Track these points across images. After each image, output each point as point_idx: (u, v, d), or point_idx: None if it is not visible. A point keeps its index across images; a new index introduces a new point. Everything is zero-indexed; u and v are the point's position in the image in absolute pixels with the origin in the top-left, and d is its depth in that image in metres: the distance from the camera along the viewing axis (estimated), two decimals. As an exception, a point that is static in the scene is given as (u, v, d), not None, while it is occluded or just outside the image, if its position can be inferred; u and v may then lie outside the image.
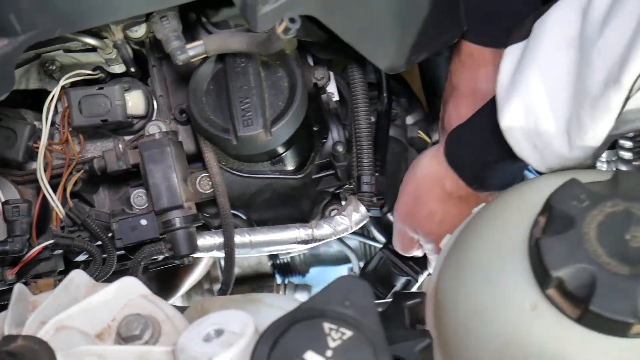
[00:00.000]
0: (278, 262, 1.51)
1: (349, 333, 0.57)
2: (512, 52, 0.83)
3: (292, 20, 0.73)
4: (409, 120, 1.52)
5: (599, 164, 1.14)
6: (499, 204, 0.81)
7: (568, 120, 0.78)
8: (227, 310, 0.63)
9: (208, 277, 1.41)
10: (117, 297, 0.67)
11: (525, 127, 0.81)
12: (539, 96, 0.79)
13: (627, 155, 1.06)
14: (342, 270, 1.54)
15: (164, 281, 1.26)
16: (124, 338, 0.63)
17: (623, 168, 1.09)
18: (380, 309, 0.81)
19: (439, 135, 1.12)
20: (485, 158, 0.92)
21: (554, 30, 0.79)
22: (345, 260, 1.53)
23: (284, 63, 0.89)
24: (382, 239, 1.29)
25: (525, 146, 0.83)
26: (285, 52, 0.90)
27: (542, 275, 0.67)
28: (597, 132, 0.76)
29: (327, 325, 0.58)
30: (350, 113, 1.04)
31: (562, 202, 0.68)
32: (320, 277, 1.58)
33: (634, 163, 1.07)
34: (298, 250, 1.37)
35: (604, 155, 1.12)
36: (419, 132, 1.46)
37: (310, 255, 1.52)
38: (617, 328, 0.64)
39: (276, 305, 0.72)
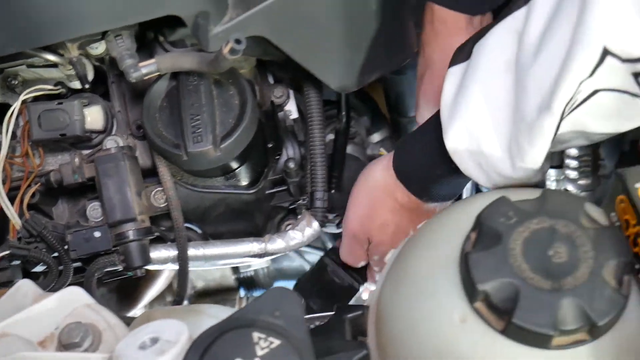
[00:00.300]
0: (242, 276, 1.54)
1: (276, 342, 0.60)
2: (454, 73, 0.85)
3: (237, 41, 0.76)
4: (375, 138, 1.55)
5: (548, 183, 1.17)
6: (437, 221, 0.84)
7: (509, 142, 0.81)
8: (164, 320, 0.66)
9: (170, 289, 1.43)
10: (61, 305, 0.70)
11: (469, 148, 0.83)
12: (481, 118, 0.82)
13: (573, 174, 1.09)
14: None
15: (125, 293, 1.28)
16: (64, 345, 0.65)
17: (570, 187, 1.12)
18: (319, 322, 0.84)
19: (416, 115, 1.10)
20: (433, 172, 0.94)
21: (492, 54, 0.82)
22: (308, 274, 1.56)
23: (236, 81, 0.92)
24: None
25: (470, 165, 0.85)
26: (237, 71, 0.93)
27: (470, 289, 0.69)
28: (535, 155, 0.79)
29: (256, 335, 0.60)
30: (306, 131, 1.07)
31: (490, 219, 0.72)
32: (285, 291, 1.60)
33: (579, 182, 1.10)
34: (257, 263, 1.40)
35: (553, 175, 1.15)
36: (381, 149, 1.50)
37: (273, 269, 1.55)
38: (538, 340, 0.67)
39: (217, 316, 0.75)
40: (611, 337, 0.69)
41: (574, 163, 1.10)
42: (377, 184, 1.00)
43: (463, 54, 0.86)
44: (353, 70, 0.98)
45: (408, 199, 0.98)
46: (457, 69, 0.85)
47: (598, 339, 0.68)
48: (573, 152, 1.08)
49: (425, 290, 0.76)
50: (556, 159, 1.13)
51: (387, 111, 1.52)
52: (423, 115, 1.03)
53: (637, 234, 0.69)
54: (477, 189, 1.51)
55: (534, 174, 0.84)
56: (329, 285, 1.20)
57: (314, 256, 1.51)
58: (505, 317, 0.67)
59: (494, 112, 0.81)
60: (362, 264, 1.12)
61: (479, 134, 0.82)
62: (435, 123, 0.89)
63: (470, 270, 0.69)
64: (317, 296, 1.22)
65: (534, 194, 0.75)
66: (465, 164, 0.85)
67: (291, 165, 0.98)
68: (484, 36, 0.83)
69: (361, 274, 1.18)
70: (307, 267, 1.49)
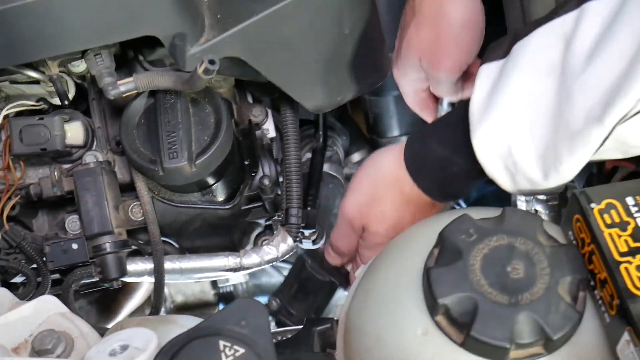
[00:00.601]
0: (221, 291, 1.56)
1: (241, 350, 0.63)
2: (489, 69, 0.82)
3: (211, 61, 0.79)
4: (355, 157, 1.59)
5: (519, 203, 1.20)
6: (404, 237, 0.87)
7: (544, 149, 0.78)
8: (135, 328, 0.68)
9: (149, 302, 1.44)
10: (36, 314, 0.72)
11: (500, 150, 0.80)
12: (517, 121, 0.78)
13: (542, 195, 1.13)
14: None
15: (104, 306, 1.29)
16: (37, 352, 0.68)
17: (539, 207, 1.15)
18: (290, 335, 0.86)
19: (392, 65, 1.02)
20: (448, 168, 0.88)
21: (535, 55, 0.78)
22: (286, 290, 1.58)
23: (212, 100, 0.94)
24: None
25: (497, 167, 0.81)
26: (213, 90, 0.96)
27: (431, 303, 0.72)
28: (573, 164, 0.76)
29: (222, 343, 0.63)
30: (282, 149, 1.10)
31: (452, 236, 0.75)
32: (263, 307, 1.62)
33: (548, 203, 1.13)
34: (235, 278, 1.42)
35: (523, 196, 1.18)
36: (359, 168, 1.53)
37: (252, 285, 1.57)
38: (495, 353, 0.69)
39: (188, 326, 0.77)
40: (566, 352, 0.72)
41: (542, 184, 1.13)
42: (384, 172, 0.94)
43: (500, 51, 0.82)
44: (328, 92, 1.01)
45: (415, 194, 0.92)
46: (493, 66, 0.81)
47: (553, 353, 0.71)
48: (541, 173, 1.12)
49: (390, 304, 0.79)
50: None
51: (366, 132, 1.55)
52: (401, 66, 0.97)
53: (591, 252, 0.72)
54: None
55: (562, 185, 0.81)
56: (309, 282, 1.17)
57: (293, 272, 1.53)
58: (464, 330, 0.70)
59: (532, 116, 0.77)
60: (343, 260, 1.07)
61: (512, 136, 0.78)
62: (458, 116, 0.85)
63: (432, 285, 0.72)
64: (296, 298, 1.20)
65: (494, 212, 0.78)
66: (491, 166, 0.81)
67: (266, 182, 1.00)
68: (526, 36, 0.80)
69: (339, 275, 1.17)
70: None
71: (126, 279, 1.02)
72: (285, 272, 1.53)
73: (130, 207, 1.00)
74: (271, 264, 1.43)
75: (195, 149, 0.91)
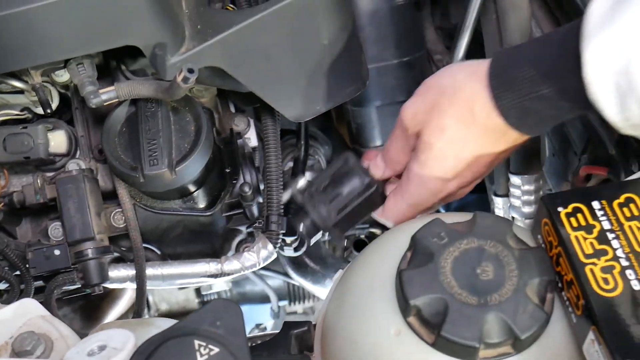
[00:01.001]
0: (205, 299, 1.57)
1: (216, 349, 0.64)
2: None
3: (190, 70, 0.81)
4: (340, 168, 1.60)
5: (496, 210, 1.23)
6: (379, 241, 0.88)
7: None
8: (113, 329, 0.70)
9: (133, 309, 1.46)
10: (16, 317, 0.74)
11: (616, 64, 0.71)
12: None
13: (517, 202, 1.15)
14: (268, 308, 1.61)
15: (88, 313, 1.31)
16: (17, 353, 0.69)
17: (515, 214, 1.18)
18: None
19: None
20: (538, 90, 0.78)
21: None
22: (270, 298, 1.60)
23: (192, 109, 0.97)
24: (299, 279, 1.36)
25: (606, 85, 0.72)
26: (194, 99, 0.98)
27: (403, 304, 0.74)
28: None
29: (197, 342, 0.64)
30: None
31: (424, 239, 0.77)
32: (248, 315, 1.64)
33: (523, 210, 1.15)
34: (219, 286, 1.44)
35: (500, 203, 1.21)
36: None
37: (237, 293, 1.58)
38: (465, 352, 0.71)
39: (166, 327, 0.79)
40: (535, 351, 0.73)
41: (517, 192, 1.16)
42: (456, 83, 0.84)
43: None
44: (307, 101, 1.03)
45: (486, 114, 0.82)
46: None
47: (522, 353, 0.73)
48: (517, 181, 1.14)
49: (365, 306, 0.81)
50: (502, 188, 1.20)
51: (349, 142, 1.58)
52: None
53: (558, 254, 0.74)
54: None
55: None
56: (345, 177, 0.99)
57: (277, 281, 1.55)
58: (435, 330, 0.72)
59: None
60: (386, 172, 0.96)
61: (634, 51, 0.70)
62: (565, 33, 0.77)
63: (404, 287, 0.74)
64: (325, 192, 1.01)
65: (466, 217, 0.80)
66: (600, 83, 0.72)
67: (246, 189, 1.02)
68: None
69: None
70: (270, 292, 1.53)
71: (108, 285, 1.03)
72: (270, 281, 1.55)
73: (113, 214, 1.02)
74: (255, 273, 1.46)
75: (175, 156, 0.93)
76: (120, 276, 1.02)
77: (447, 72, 0.87)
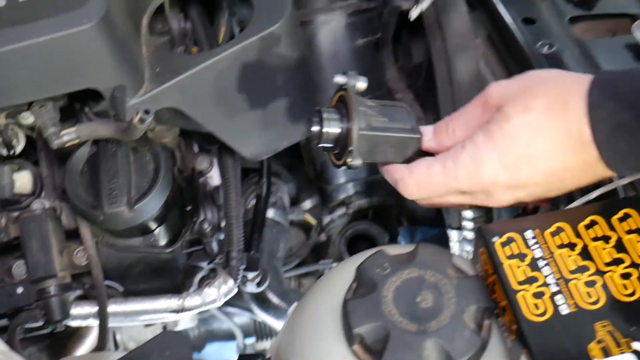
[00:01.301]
0: (174, 337, 1.58)
1: (164, 378, 0.67)
2: None
3: (146, 112, 0.85)
4: (307, 205, 1.65)
5: (451, 244, 1.27)
6: (331, 273, 0.92)
7: None
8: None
9: (100, 349, 1.47)
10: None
11: None
12: None
13: (470, 235, 1.20)
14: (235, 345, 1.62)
15: (54, 352, 1.32)
16: (-27, 386, 0.72)
17: (468, 247, 1.22)
18: None
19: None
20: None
21: None
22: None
23: (152, 149, 1.01)
24: (262, 314, 1.39)
25: None
26: (153, 140, 1.02)
27: (348, 333, 0.77)
28: None
29: (146, 371, 0.68)
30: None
31: (368, 270, 0.80)
32: (216, 353, 1.66)
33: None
34: (184, 323, 1.46)
35: (455, 236, 1.25)
36: (306, 215, 1.59)
37: (204, 330, 1.60)
38: (407, 377, 0.75)
39: (120, 359, 0.81)
40: (474, 376, 0.77)
41: (470, 225, 1.20)
42: (557, 77, 0.76)
43: None
44: (264, 140, 1.07)
45: (577, 117, 0.71)
46: None
47: (461, 377, 0.76)
48: (469, 215, 1.19)
49: (314, 337, 0.84)
50: (456, 221, 1.24)
51: (314, 179, 1.62)
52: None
53: (494, 282, 0.78)
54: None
55: None
56: (396, 113, 0.89)
57: (244, 318, 1.57)
58: (378, 357, 0.75)
59: None
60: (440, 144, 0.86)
61: None
62: None
63: (348, 316, 0.77)
64: None
65: (409, 248, 0.84)
66: None
67: (205, 226, 1.06)
68: None
69: None
70: (235, 329, 1.55)
71: (71, 322, 1.06)
72: (237, 318, 1.57)
73: (75, 252, 1.05)
74: (221, 310, 1.48)
75: (134, 195, 0.97)
76: (83, 313, 1.05)
77: (551, 70, 0.80)
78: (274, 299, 1.33)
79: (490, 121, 0.77)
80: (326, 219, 1.64)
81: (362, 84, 0.85)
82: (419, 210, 1.68)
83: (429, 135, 0.86)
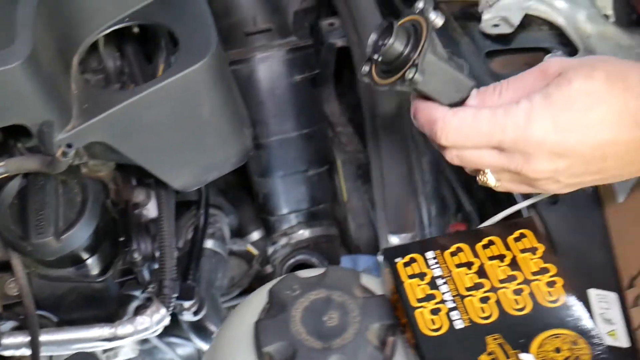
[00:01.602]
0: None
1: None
2: None
3: (68, 145, 0.89)
4: (254, 236, 1.69)
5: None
6: (250, 297, 0.96)
7: None
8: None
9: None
10: None
11: None
12: None
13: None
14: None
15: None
16: None
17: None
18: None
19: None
20: None
21: None
22: (184, 367, 1.64)
23: (80, 182, 1.04)
24: (200, 343, 1.41)
25: None
26: (81, 173, 1.06)
27: (259, 352, 0.81)
28: None
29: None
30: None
31: (279, 292, 0.85)
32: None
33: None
34: (125, 354, 1.48)
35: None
36: (249, 245, 1.63)
37: (148, 362, 1.62)
38: (313, 392, 0.78)
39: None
40: (379, 391, 0.81)
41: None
42: (618, 60, 0.76)
43: None
44: (192, 172, 1.11)
45: (635, 95, 0.72)
46: None
47: (366, 392, 0.80)
48: (395, 240, 1.23)
49: (231, 356, 0.88)
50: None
51: (257, 211, 1.66)
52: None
53: (397, 300, 0.82)
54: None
55: None
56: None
57: (188, 348, 1.59)
58: (285, 374, 0.79)
59: None
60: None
61: None
62: None
63: (258, 336, 0.81)
64: None
65: (319, 271, 0.89)
66: None
67: (135, 255, 1.10)
68: None
69: None
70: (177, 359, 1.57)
71: (3, 352, 1.08)
72: (179, 350, 1.59)
73: (7, 283, 1.08)
74: (163, 340, 1.51)
75: (61, 225, 1.00)
76: (15, 343, 1.07)
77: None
78: (212, 327, 1.36)
79: (549, 84, 0.75)
80: (270, 250, 1.67)
81: (439, 19, 0.79)
82: (360, 239, 1.73)
83: (472, 94, 0.81)
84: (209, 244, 1.40)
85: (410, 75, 0.76)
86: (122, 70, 1.21)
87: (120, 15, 1.11)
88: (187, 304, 1.25)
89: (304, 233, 1.66)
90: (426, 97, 0.80)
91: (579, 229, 0.93)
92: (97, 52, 1.19)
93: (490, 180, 0.79)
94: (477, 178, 0.80)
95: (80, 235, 1.01)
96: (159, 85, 1.02)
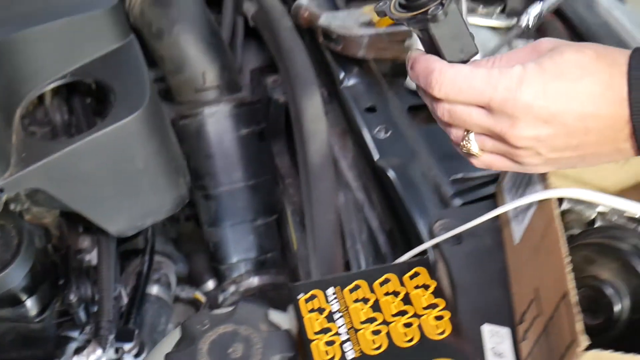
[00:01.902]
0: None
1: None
2: None
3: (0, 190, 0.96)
4: (210, 285, 1.74)
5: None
6: (171, 333, 1.02)
7: None
8: None
9: None
10: None
11: None
12: None
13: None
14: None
15: None
16: None
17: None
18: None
19: None
20: None
21: None
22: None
23: (17, 226, 1.11)
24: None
25: None
26: (19, 218, 1.12)
27: (168, 382, 0.87)
28: None
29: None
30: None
31: (190, 326, 0.91)
32: None
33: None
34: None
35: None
36: (197, 292, 1.68)
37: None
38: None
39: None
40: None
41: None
42: (604, 46, 0.78)
43: None
44: (128, 218, 1.18)
45: (619, 72, 0.74)
46: None
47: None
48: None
49: (147, 389, 0.93)
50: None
51: (208, 260, 1.72)
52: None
53: (298, 333, 0.88)
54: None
55: None
56: None
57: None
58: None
59: None
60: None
61: None
62: None
63: (168, 368, 0.87)
64: None
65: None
66: None
67: (71, 297, 1.16)
68: None
69: None
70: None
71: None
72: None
73: (-55, 323, 1.13)
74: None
75: (-3, 267, 1.06)
76: (-47, 384, 1.12)
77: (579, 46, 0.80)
78: (154, 369, 1.40)
79: (543, 55, 0.78)
80: (220, 298, 1.73)
81: None
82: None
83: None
84: (153, 289, 1.46)
85: (436, 12, 0.76)
86: (70, 122, 1.28)
87: (63, 72, 1.19)
88: (127, 346, 1.30)
89: (253, 281, 1.71)
90: (429, 50, 0.81)
91: (480, 268, 0.99)
92: (44, 105, 1.27)
93: (474, 147, 0.80)
94: (460, 145, 0.81)
95: (15, 276, 1.07)
96: (93, 135, 1.09)
